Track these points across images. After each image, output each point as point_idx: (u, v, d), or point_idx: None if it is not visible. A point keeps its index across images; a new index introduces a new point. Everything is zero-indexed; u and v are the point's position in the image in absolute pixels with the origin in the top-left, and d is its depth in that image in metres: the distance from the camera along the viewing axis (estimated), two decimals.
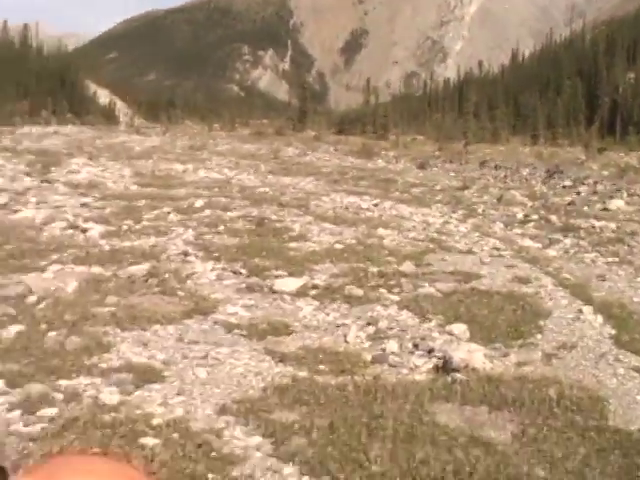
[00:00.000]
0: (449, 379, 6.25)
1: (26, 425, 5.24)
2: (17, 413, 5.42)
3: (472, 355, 6.59)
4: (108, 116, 69.44)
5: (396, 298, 8.61)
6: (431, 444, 5.09)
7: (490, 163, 22.84)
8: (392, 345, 7.13)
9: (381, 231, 12.29)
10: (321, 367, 6.56)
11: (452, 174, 21.04)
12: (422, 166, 23.94)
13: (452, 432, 5.29)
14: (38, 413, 5.41)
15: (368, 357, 6.90)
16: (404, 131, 41.24)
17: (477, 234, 12.53)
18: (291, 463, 4.88)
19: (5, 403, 5.60)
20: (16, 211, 12.72)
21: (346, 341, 7.32)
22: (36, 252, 10.02)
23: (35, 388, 5.80)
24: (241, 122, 33.47)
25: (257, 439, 5.18)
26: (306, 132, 29.45)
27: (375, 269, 9.69)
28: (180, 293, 8.53)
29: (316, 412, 5.58)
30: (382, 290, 8.88)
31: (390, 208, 14.92)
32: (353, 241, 11.40)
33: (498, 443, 5.13)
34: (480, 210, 15.07)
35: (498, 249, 11.36)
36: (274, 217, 12.84)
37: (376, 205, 15.37)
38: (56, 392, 5.79)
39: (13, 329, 7.09)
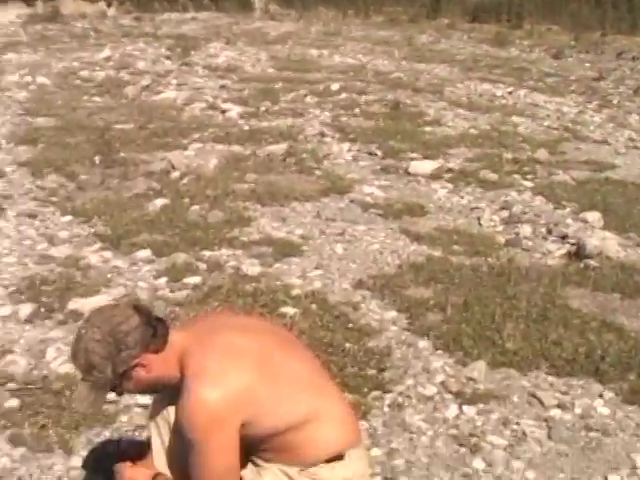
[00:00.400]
0: (582, 265, 6.11)
1: (172, 291, 5.43)
2: (163, 280, 5.62)
3: (606, 243, 6.41)
4: (243, 3, 69.02)
5: (530, 184, 8.41)
6: (563, 326, 5.02)
7: (627, 54, 21.68)
8: (526, 229, 7.00)
9: (515, 119, 11.93)
10: (455, 248, 6.52)
11: (587, 64, 20.09)
12: (556, 56, 22.98)
13: (584, 316, 5.19)
14: (183, 280, 5.59)
15: (502, 240, 6.81)
16: (539, 20, 39.52)
17: (612, 125, 12.01)
18: (425, 337, 4.91)
19: (152, 270, 5.81)
20: (158, 92, 12.92)
21: (480, 224, 7.23)
22: (178, 131, 10.19)
23: (180, 257, 5.99)
24: (375, 9, 32.73)
25: (392, 313, 5.22)
26: (440, 20, 28.59)
27: (509, 155, 9.46)
28: (317, 172, 8.57)
29: (450, 290, 5.56)
30: (516, 176, 8.68)
31: (524, 96, 14.43)
32: (487, 127, 11.13)
33: (631, 330, 5.02)
34: (615, 101, 14.41)
35: (633, 140, 10.89)
36: (409, 102, 12.63)
37: (510, 93, 14.89)
38: (199, 262, 5.96)
39: (158, 202, 7.29)
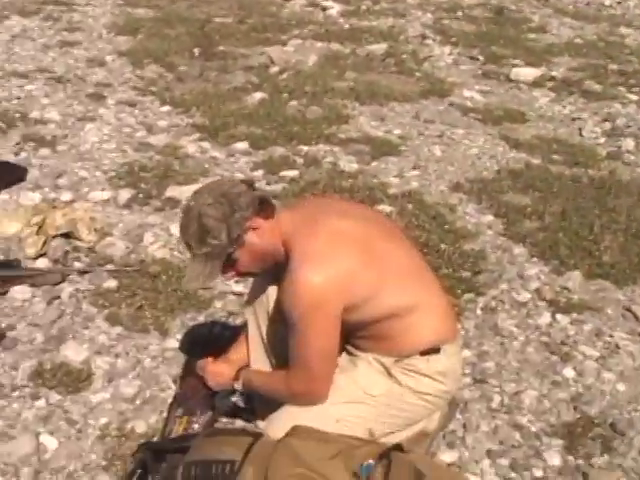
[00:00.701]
0: None
1: (268, 183, 5.41)
2: (260, 172, 5.59)
3: None
4: None
5: (635, 98, 8.04)
6: None
7: None
8: (628, 143, 6.72)
9: (623, 30, 11.38)
10: (555, 157, 6.32)
11: None
12: None
13: None
14: (280, 174, 5.56)
15: (603, 152, 6.56)
16: None
17: None
18: (521, 244, 4.80)
19: (249, 162, 5.79)
20: None
21: (581, 134, 6.98)
22: (277, 27, 10.03)
23: (277, 151, 5.95)
24: None
25: (489, 218, 5.11)
26: None
27: (615, 66, 9.05)
28: (417, 74, 8.36)
29: (548, 199, 5.41)
30: (621, 88, 8.31)
31: (634, 7, 13.75)
32: (593, 37, 10.65)
33: None
34: None
35: None
36: (513, 7, 12.15)
37: (619, 3, 14.21)
38: (297, 156, 5.91)
39: (257, 96, 7.23)
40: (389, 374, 2.70)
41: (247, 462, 2.34)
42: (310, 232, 2.57)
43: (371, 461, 2.34)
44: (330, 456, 2.34)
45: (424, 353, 2.70)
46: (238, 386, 2.89)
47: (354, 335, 2.71)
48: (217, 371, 2.96)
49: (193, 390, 3.04)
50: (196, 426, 2.93)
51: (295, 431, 2.46)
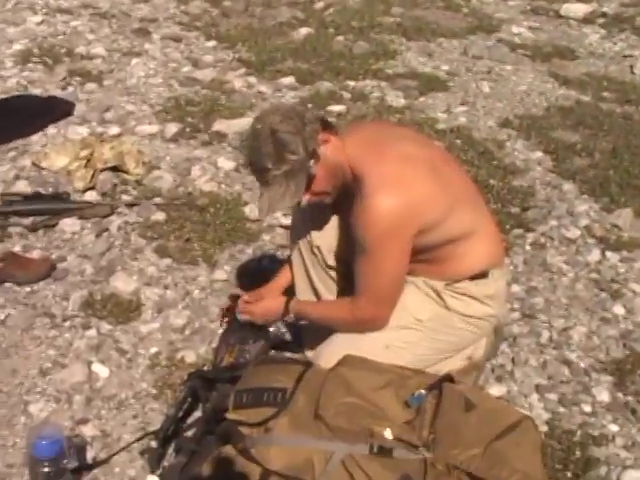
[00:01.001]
0: None
1: None
2: (307, 107, 5.52)
3: None
4: None
5: None
6: None
7: None
8: None
9: None
10: (605, 94, 6.18)
11: None
12: None
13: None
14: (327, 108, 5.50)
15: None
16: None
17: None
18: (571, 181, 4.72)
19: (296, 97, 5.73)
20: None
21: (632, 72, 6.80)
22: None
23: (324, 86, 5.89)
24: None
25: (538, 154, 5.02)
26: None
27: None
28: (464, 10, 8.18)
29: (599, 136, 5.31)
30: None
31: None
32: None
33: None
34: None
35: None
36: None
37: None
38: (343, 91, 5.85)
39: (303, 31, 7.14)
40: (439, 297, 2.66)
41: (299, 390, 2.34)
42: (380, 156, 2.50)
43: (422, 391, 2.33)
44: (381, 386, 2.34)
45: (473, 278, 2.66)
46: (289, 319, 2.87)
47: (416, 257, 2.63)
48: (265, 307, 2.94)
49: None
50: (247, 356, 2.92)
51: (346, 360, 2.45)
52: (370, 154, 2.51)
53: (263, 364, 2.57)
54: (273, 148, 2.41)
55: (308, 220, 2.86)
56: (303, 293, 2.96)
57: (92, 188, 4.27)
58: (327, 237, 2.83)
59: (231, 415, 2.36)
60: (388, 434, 2.21)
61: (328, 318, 2.76)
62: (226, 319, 3.16)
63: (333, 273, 2.88)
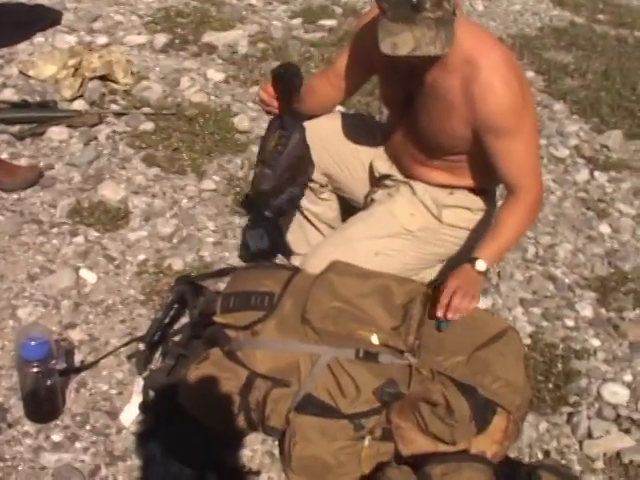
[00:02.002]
0: None
1: (306, 32, 5.26)
2: (298, 21, 5.44)
3: None
4: None
5: None
6: None
7: None
8: None
9: None
10: (600, 17, 6.12)
11: None
12: None
13: None
14: (318, 22, 5.41)
15: None
16: None
17: None
18: (562, 101, 4.69)
19: (287, 11, 5.63)
20: None
21: None
22: None
23: (316, 0, 5.76)
24: None
25: (530, 74, 4.98)
26: None
27: None
28: None
29: (592, 58, 5.27)
30: None
31: None
32: None
33: None
34: None
35: None
36: None
37: None
38: (335, 6, 5.75)
39: None
40: (436, 208, 2.62)
41: (286, 294, 2.34)
42: (494, 42, 2.39)
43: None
44: (368, 292, 2.34)
45: (476, 191, 2.63)
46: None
47: (448, 158, 2.54)
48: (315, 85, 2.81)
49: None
50: (285, 141, 2.54)
51: (334, 266, 2.44)
52: (484, 38, 2.38)
53: (251, 269, 2.56)
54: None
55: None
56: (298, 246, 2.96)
57: (80, 97, 4.20)
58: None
59: (218, 318, 2.36)
60: (374, 339, 2.22)
61: (515, 234, 2.52)
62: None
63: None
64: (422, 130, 2.49)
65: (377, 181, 2.75)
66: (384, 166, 2.72)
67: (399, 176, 2.69)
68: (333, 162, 2.79)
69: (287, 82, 2.47)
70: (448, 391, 2.16)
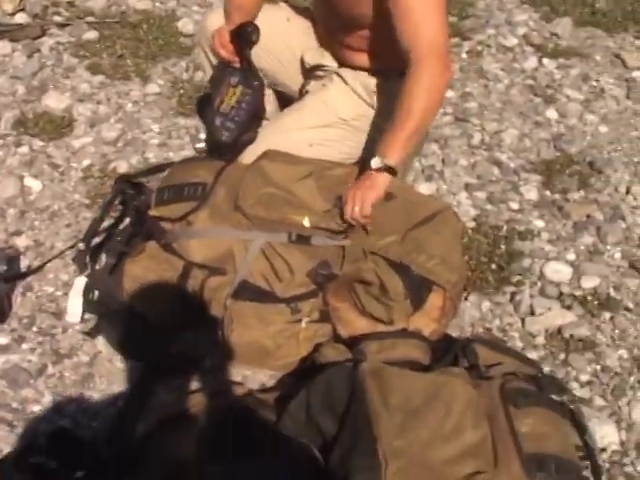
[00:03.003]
0: None
1: None
2: None
3: None
4: None
5: None
6: None
7: None
8: None
9: None
10: None
11: None
12: None
13: None
14: None
15: None
16: None
17: None
18: None
19: None
20: None
21: None
22: None
23: None
24: None
25: None
26: None
27: None
28: None
29: None
30: None
31: None
32: None
33: None
34: None
35: None
36: None
37: None
38: None
39: None
40: (368, 95, 2.56)
41: (218, 183, 2.31)
42: None
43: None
44: (301, 176, 2.31)
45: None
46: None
47: (368, 35, 2.43)
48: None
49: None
50: (248, 98, 2.62)
51: (267, 154, 2.41)
52: None
53: (186, 162, 2.53)
54: None
55: None
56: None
57: (22, 10, 4.09)
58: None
59: (153, 212, 2.33)
60: (306, 222, 2.20)
61: (419, 120, 2.24)
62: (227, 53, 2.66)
63: None
64: (334, 3, 2.42)
65: (309, 72, 2.69)
66: (315, 56, 2.66)
67: (330, 65, 2.63)
68: (266, 56, 2.72)
69: (246, 39, 2.55)
70: (381, 270, 2.15)
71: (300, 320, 2.18)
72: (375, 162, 2.22)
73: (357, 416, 1.74)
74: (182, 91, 3.52)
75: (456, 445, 1.71)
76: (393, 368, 1.85)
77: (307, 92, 2.67)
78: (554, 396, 1.94)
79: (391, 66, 2.46)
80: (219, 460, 1.73)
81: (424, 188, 3.02)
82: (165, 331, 2.31)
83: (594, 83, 3.84)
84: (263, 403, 2.00)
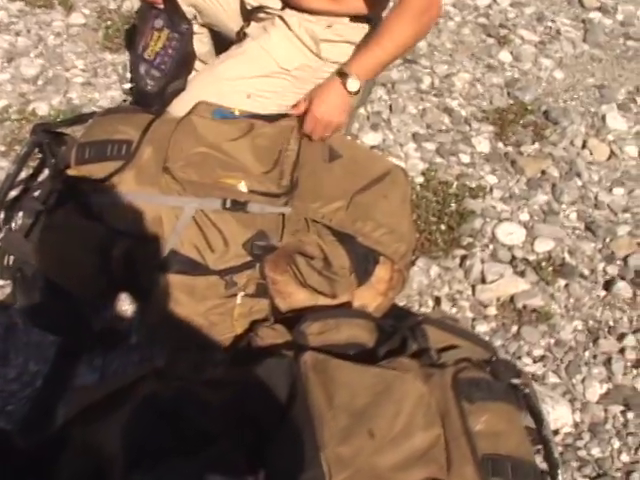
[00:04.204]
0: None
1: None
2: None
3: None
4: None
5: None
6: None
7: None
8: None
9: None
10: None
11: None
12: None
13: None
14: None
15: None
16: None
17: None
18: None
19: None
20: None
21: None
22: None
23: None
24: None
25: None
26: None
27: None
28: None
29: None
30: None
31: None
32: None
33: None
34: None
35: None
36: None
37: None
38: None
39: None
40: (315, 44, 2.30)
41: (145, 141, 2.05)
42: None
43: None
44: (236, 136, 2.07)
45: (357, 19, 2.30)
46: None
47: None
48: None
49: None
50: (175, 44, 2.42)
51: (199, 108, 2.15)
52: None
53: (110, 114, 2.25)
54: None
55: None
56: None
57: None
58: None
59: (72, 172, 2.08)
60: (242, 187, 1.97)
61: (398, 44, 2.09)
62: None
63: None
64: None
65: (250, 13, 2.41)
66: None
67: (273, 7, 2.35)
68: None
69: None
70: (325, 242, 1.95)
71: (235, 295, 1.97)
72: (352, 84, 2.10)
73: (298, 417, 1.56)
74: (109, 22, 3.23)
75: (405, 449, 1.55)
76: (338, 361, 1.67)
77: (246, 35, 2.40)
78: (509, 381, 1.79)
79: (344, 11, 2.21)
80: (145, 467, 1.54)
81: (370, 139, 2.81)
82: (86, 303, 2.09)
83: (549, 24, 3.65)
84: (193, 390, 1.80)
